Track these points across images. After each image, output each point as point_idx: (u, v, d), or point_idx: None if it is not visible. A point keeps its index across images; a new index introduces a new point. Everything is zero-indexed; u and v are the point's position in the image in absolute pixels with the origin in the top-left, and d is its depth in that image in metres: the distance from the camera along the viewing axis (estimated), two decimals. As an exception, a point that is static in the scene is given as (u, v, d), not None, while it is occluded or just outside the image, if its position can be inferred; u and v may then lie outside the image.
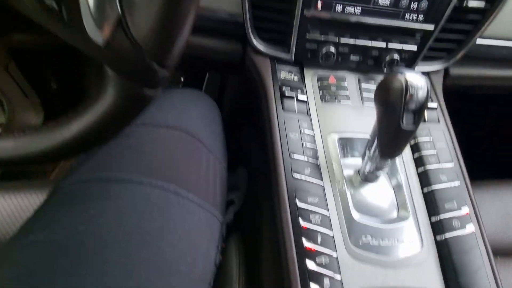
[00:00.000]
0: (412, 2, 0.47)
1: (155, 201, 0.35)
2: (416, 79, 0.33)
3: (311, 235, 0.36)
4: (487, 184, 0.63)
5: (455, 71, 0.58)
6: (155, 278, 0.32)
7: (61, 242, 0.31)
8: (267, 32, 0.51)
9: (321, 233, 0.37)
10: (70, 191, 0.36)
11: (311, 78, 0.54)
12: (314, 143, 0.45)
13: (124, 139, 0.40)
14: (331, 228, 0.38)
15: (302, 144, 0.43)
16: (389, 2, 0.47)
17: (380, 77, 0.55)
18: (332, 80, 0.54)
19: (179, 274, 0.33)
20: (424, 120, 0.50)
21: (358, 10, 0.48)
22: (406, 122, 0.34)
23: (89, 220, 0.32)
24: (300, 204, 0.38)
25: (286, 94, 0.48)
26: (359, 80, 0.55)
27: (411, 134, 0.35)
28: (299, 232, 0.36)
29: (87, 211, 0.33)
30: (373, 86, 0.54)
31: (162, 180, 0.37)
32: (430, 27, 0.49)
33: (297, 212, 0.37)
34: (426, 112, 0.51)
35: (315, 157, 0.44)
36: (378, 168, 0.41)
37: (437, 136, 0.47)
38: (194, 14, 0.22)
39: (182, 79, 1.09)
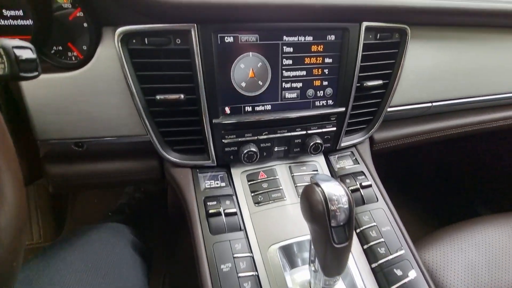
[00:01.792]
0: (318, 92, 0.48)
1: None
2: (334, 190, 0.30)
3: None
4: (443, 233, 0.61)
5: (378, 136, 0.60)
6: None
7: None
8: (182, 144, 0.47)
9: None
10: None
11: (239, 178, 0.49)
12: (253, 266, 0.39)
13: None
14: None
15: (238, 276, 0.37)
16: (296, 95, 0.47)
17: (309, 159, 0.54)
18: (262, 175, 0.50)
19: None
20: (364, 202, 0.47)
21: (268, 107, 0.47)
22: (338, 239, 0.30)
23: None
24: None
25: (211, 212, 0.42)
26: (290, 168, 0.52)
27: (347, 249, 0.31)
28: None
29: None
30: (305, 172, 0.52)
31: None
32: (341, 109, 0.49)
33: None
34: (362, 191, 0.48)
35: (256, 284, 0.37)
36: (327, 285, 0.35)
37: (380, 219, 0.45)
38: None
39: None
